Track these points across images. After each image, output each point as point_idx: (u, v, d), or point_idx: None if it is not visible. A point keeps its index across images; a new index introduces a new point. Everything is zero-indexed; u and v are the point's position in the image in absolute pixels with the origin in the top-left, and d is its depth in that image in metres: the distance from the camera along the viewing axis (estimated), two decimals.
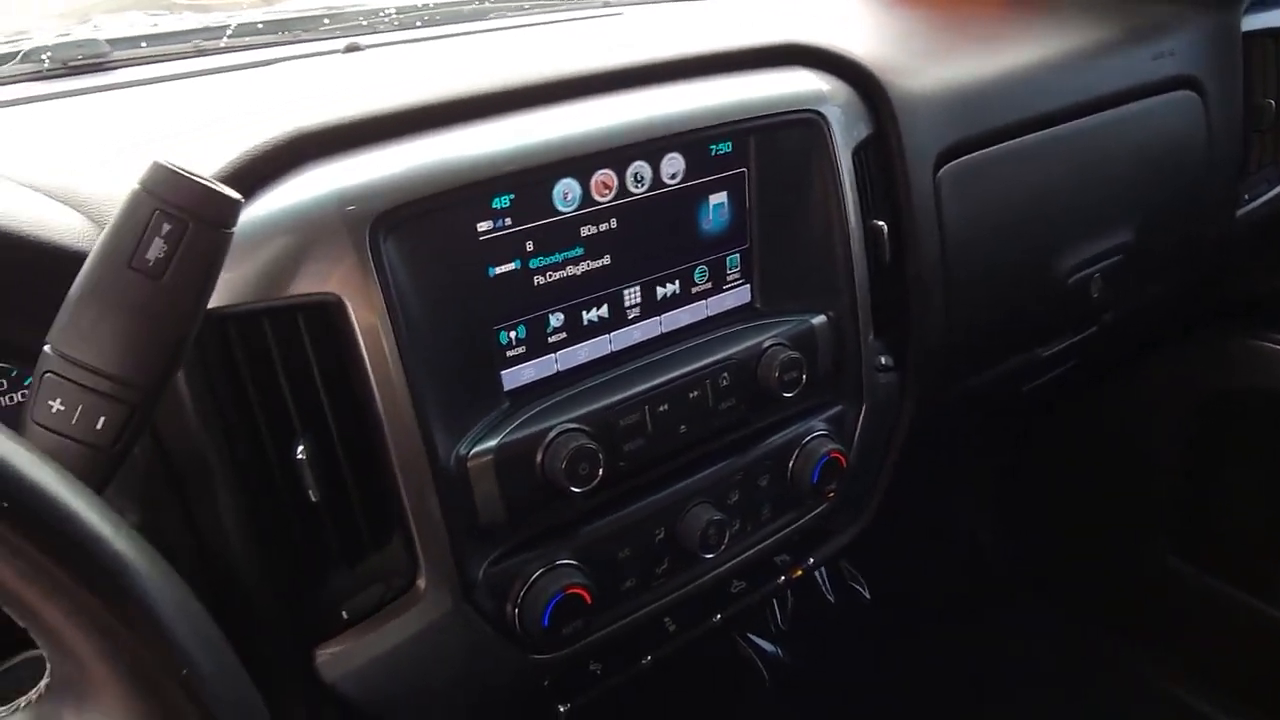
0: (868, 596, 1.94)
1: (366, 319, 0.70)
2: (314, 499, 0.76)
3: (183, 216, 0.55)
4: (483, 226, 0.77)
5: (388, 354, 0.71)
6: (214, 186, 0.56)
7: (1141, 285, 1.45)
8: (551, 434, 0.80)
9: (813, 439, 0.99)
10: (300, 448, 0.75)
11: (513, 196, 0.77)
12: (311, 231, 0.71)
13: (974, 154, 1.10)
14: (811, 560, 1.14)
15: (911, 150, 1.03)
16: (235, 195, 0.58)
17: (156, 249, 0.54)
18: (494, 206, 0.77)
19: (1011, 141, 1.14)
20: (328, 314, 0.70)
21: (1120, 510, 1.94)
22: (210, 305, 0.71)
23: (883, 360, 1.06)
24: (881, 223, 0.99)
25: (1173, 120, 1.38)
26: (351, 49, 1.05)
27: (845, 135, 0.95)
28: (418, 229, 0.72)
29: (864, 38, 1.14)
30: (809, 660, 1.72)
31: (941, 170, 1.06)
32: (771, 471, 0.96)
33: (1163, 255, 1.48)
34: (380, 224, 0.70)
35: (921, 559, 2.21)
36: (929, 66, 1.11)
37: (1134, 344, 1.75)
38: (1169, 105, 1.26)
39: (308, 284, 0.70)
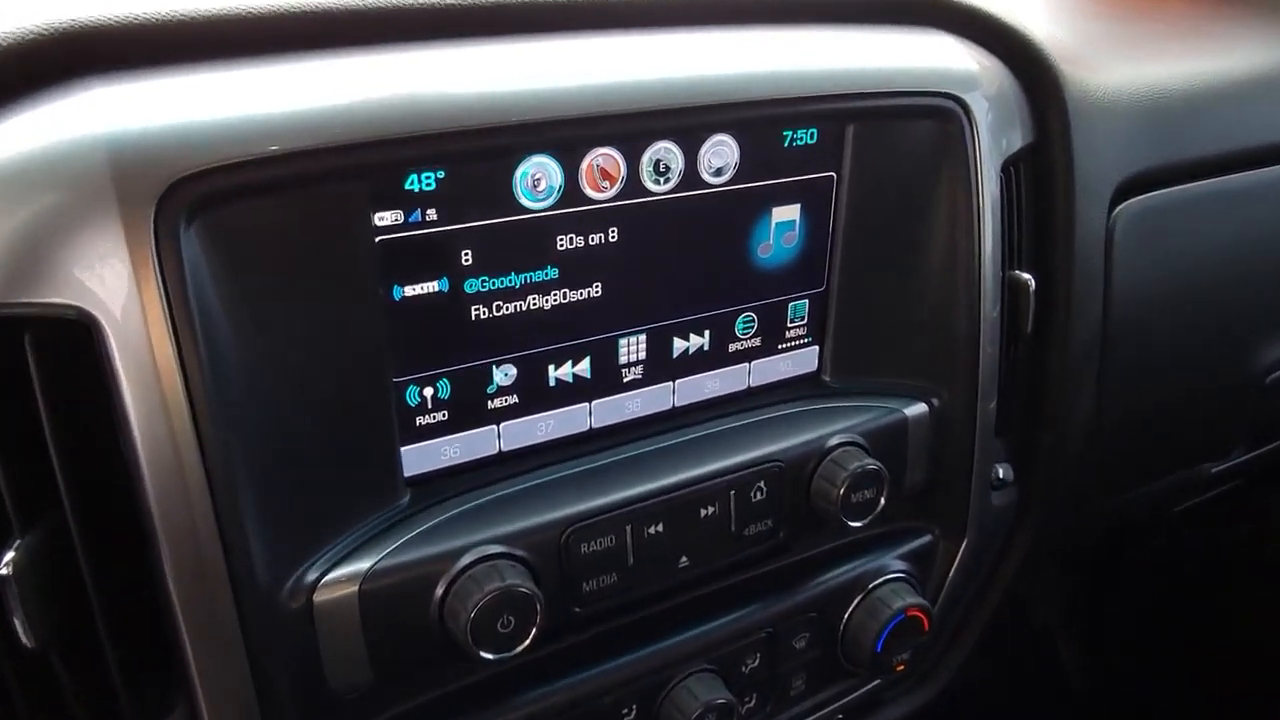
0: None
1: (138, 354, 0.45)
2: (29, 644, 0.45)
3: None
4: (383, 219, 0.53)
5: (171, 413, 0.46)
6: None
7: None
8: (463, 560, 0.56)
9: (884, 584, 0.73)
10: (8, 557, 0.44)
11: (442, 175, 0.53)
12: (59, 196, 0.44)
13: (1163, 190, 0.85)
14: None
15: (1084, 175, 0.77)
16: None
17: None
18: (407, 189, 0.53)
19: (1215, 179, 0.88)
20: (75, 339, 0.45)
21: (1244, 653, 1.56)
22: None
23: (1000, 473, 0.81)
24: (1028, 276, 0.74)
25: None
26: None
27: (994, 140, 0.69)
28: (256, 213, 0.48)
29: (1033, 6, 0.90)
30: None
31: (1118, 209, 0.81)
32: (814, 629, 0.72)
33: None
34: (179, 199, 0.45)
35: (989, 662, 1.85)
36: (1118, 59, 0.86)
37: None
38: None
39: (43, 287, 0.43)
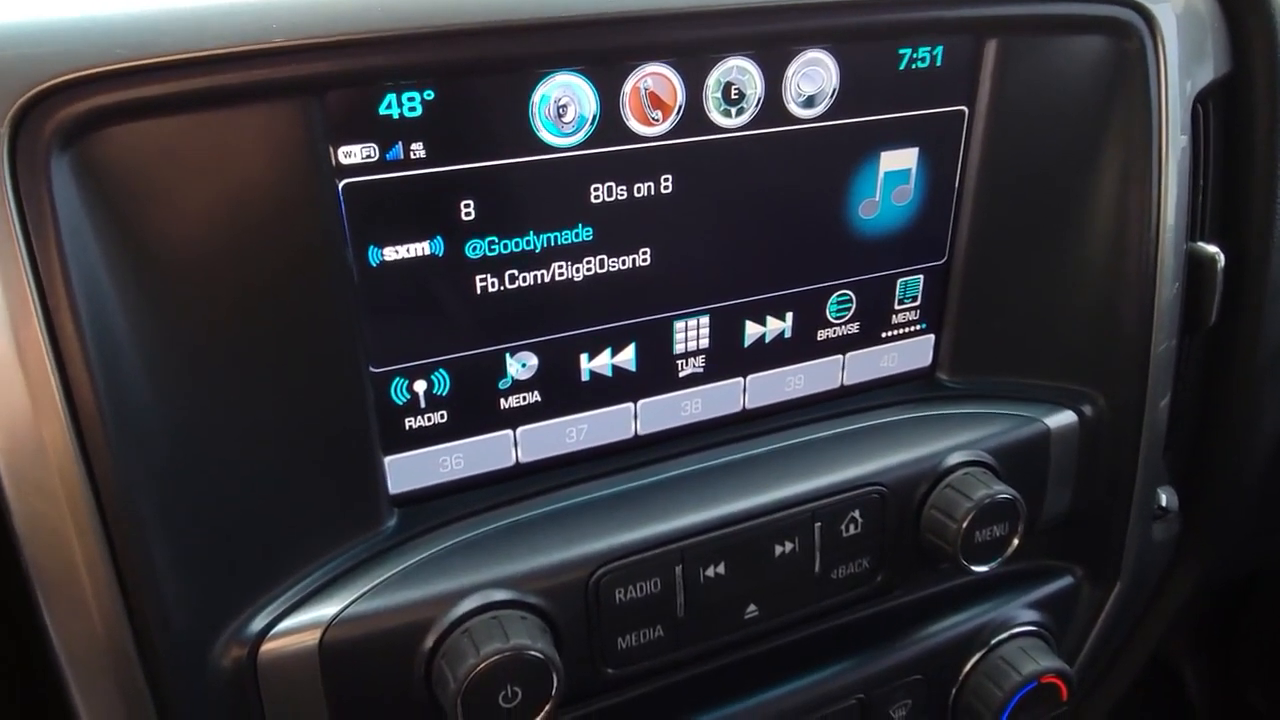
0: None
1: None
2: None
3: None
4: (350, 156, 0.40)
5: (43, 420, 0.35)
6: None
7: None
8: (459, 609, 0.45)
9: (1010, 641, 0.61)
10: None
11: (431, 96, 0.41)
12: None
13: None
14: None
15: None
16: None
17: None
18: (384, 114, 0.40)
19: None
20: None
21: None
22: None
23: (1163, 499, 0.68)
24: (1215, 249, 0.62)
25: None
26: None
27: (1183, 68, 0.56)
28: (159, 142, 0.36)
29: None
30: None
31: None
32: (918, 696, 0.59)
33: None
34: (45, 119, 0.34)
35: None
36: None
37: None
38: None
39: None
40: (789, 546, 0.51)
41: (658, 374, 0.51)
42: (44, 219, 0.33)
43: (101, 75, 0.33)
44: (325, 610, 0.43)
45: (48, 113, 0.33)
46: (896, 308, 0.56)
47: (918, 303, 0.56)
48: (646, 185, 0.46)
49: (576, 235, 0.46)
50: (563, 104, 0.43)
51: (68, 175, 0.34)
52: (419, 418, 0.46)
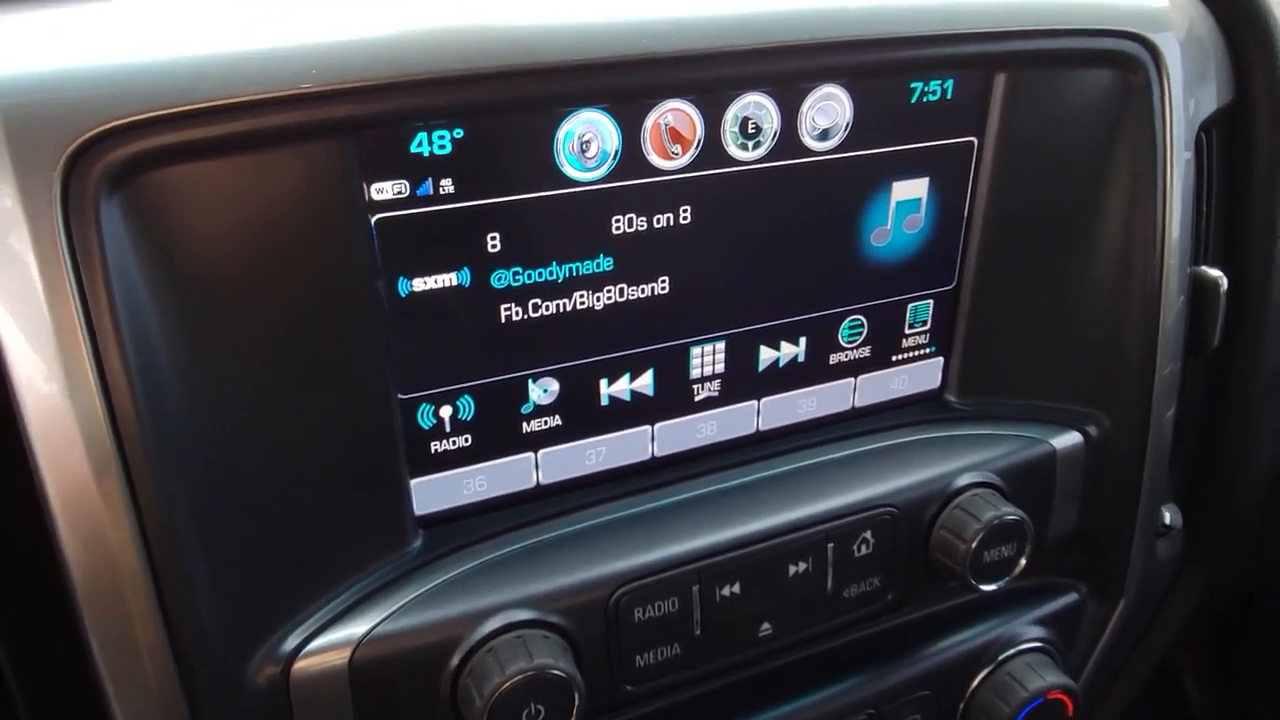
0: None
1: (45, 373, 0.35)
2: None
3: None
4: (382, 192, 0.42)
5: (90, 448, 0.36)
6: None
7: None
8: (484, 628, 0.46)
9: (1017, 657, 0.62)
10: None
11: (460, 134, 0.42)
12: None
13: None
14: None
15: None
16: None
17: None
18: (414, 152, 0.42)
19: None
20: None
21: None
22: None
23: (1166, 517, 0.69)
24: (1219, 273, 0.63)
25: None
26: None
27: (1186, 97, 0.56)
28: (202, 182, 0.38)
29: None
30: None
31: None
32: (926, 711, 0.60)
33: None
34: (95, 163, 0.35)
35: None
36: None
37: None
38: None
39: None
40: (802, 566, 0.52)
41: (674, 398, 0.52)
42: (92, 259, 0.34)
43: (148, 121, 0.34)
44: (355, 629, 0.44)
45: (97, 157, 0.34)
46: (907, 332, 0.57)
47: (927, 326, 0.57)
48: (665, 217, 0.47)
49: (598, 265, 0.47)
50: (586, 140, 0.44)
51: (115, 215, 0.35)
52: (444, 441, 0.47)
